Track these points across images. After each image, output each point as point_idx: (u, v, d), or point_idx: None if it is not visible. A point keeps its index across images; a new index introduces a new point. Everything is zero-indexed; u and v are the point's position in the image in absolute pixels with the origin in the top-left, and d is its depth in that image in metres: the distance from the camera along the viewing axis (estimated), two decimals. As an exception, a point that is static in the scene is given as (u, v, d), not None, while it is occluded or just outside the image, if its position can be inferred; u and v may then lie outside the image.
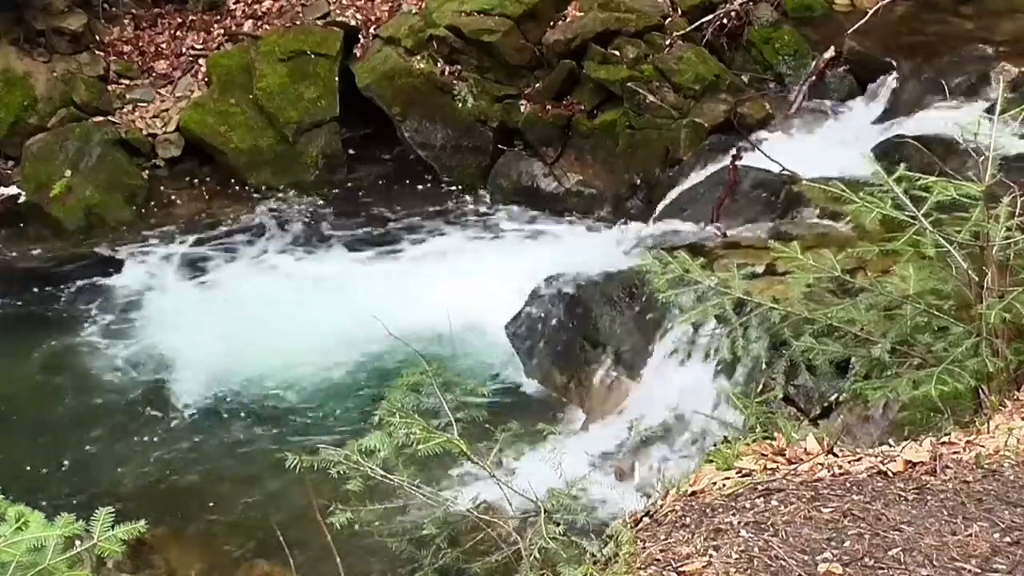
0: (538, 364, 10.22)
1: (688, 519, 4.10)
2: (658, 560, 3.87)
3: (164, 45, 13.92)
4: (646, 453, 8.60)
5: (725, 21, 12.76)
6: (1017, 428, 4.64)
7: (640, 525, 4.22)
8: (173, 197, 13.02)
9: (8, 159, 13.12)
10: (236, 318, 11.11)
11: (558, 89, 12.83)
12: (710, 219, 10.90)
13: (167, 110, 13.40)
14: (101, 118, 13.17)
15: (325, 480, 5.09)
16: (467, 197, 12.94)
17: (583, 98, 12.75)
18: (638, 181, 12.33)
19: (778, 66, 12.59)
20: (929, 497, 4.12)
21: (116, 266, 12.13)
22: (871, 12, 12.32)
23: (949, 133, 9.99)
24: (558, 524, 4.79)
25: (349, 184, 13.25)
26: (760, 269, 8.67)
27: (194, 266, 12.06)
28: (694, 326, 7.86)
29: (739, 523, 3.99)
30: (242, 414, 10.10)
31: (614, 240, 11.58)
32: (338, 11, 13.96)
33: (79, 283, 11.90)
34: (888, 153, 9.87)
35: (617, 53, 12.62)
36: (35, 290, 11.83)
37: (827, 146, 11.29)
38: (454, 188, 13.07)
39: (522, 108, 12.90)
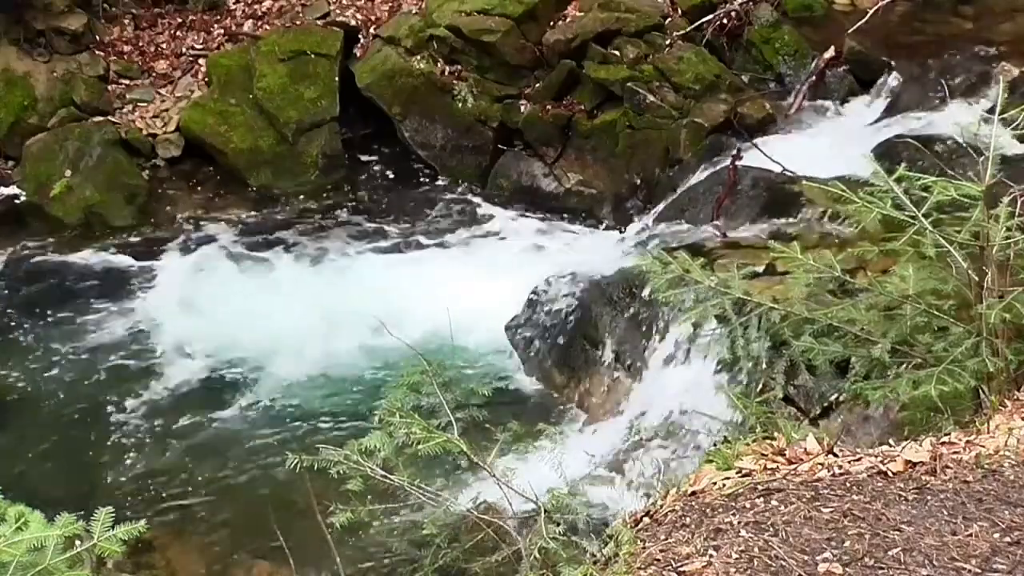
0: (538, 364, 10.22)
1: (688, 519, 4.10)
2: (658, 560, 3.87)
3: (164, 45, 13.92)
4: (646, 453, 8.59)
5: (725, 21, 12.75)
6: (1017, 428, 4.64)
7: (640, 525, 4.22)
8: (173, 197, 13.01)
9: (8, 159, 13.11)
10: (235, 317, 11.10)
11: (558, 89, 12.82)
12: (710, 219, 10.90)
13: (167, 110, 13.39)
14: (101, 118, 13.15)
15: (326, 480, 5.09)
16: (467, 197, 12.93)
17: (583, 98, 12.75)
18: (638, 181, 12.32)
19: (778, 66, 12.58)
20: (929, 497, 4.12)
21: (115, 266, 12.11)
22: (871, 12, 12.31)
23: (949, 133, 10.00)
24: (558, 524, 4.80)
25: (349, 184, 13.25)
26: (760, 269, 8.67)
27: (193, 266, 12.04)
28: (694, 326, 7.85)
29: (739, 523, 3.99)
30: (242, 414, 10.10)
31: (614, 240, 11.58)
32: (338, 11, 13.96)
33: (78, 283, 11.88)
34: (888, 153, 9.87)
35: (617, 53, 12.62)
36: (34, 290, 11.82)
37: (827, 146, 11.28)
38: (454, 188, 13.06)
39: (522, 108, 12.90)
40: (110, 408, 10.22)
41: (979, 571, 3.73)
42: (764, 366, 7.74)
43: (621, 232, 11.76)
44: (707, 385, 8.71)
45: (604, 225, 12.18)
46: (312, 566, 6.83)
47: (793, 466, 4.42)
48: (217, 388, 10.41)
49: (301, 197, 13.01)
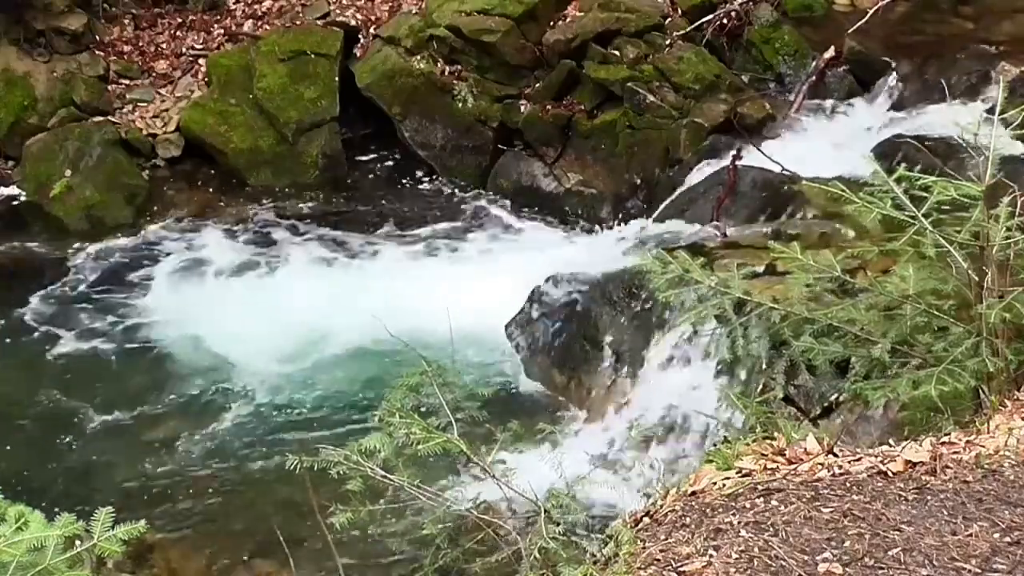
0: (538, 364, 10.21)
1: (688, 519, 4.10)
2: (658, 560, 3.87)
3: (164, 45, 13.92)
4: (646, 453, 8.59)
5: (725, 21, 12.76)
6: (1017, 428, 4.64)
7: (640, 525, 4.22)
8: (173, 197, 13.02)
9: (8, 159, 13.12)
10: (234, 317, 11.10)
11: (558, 89, 12.82)
12: (710, 219, 10.90)
13: (167, 110, 13.40)
14: (101, 118, 13.16)
15: (325, 480, 5.09)
16: (467, 197, 12.94)
17: (583, 98, 12.75)
18: (638, 181, 12.33)
19: (778, 66, 12.58)
20: (929, 497, 4.12)
21: (114, 266, 12.12)
22: (871, 12, 12.31)
23: (949, 133, 9.99)
24: (558, 524, 4.80)
25: (349, 184, 13.25)
26: (760, 269, 8.66)
27: (193, 266, 12.05)
28: (694, 326, 7.85)
29: (739, 523, 3.99)
30: (241, 414, 10.10)
31: (614, 240, 11.58)
32: (338, 11, 13.96)
33: (76, 283, 11.89)
34: (888, 153, 9.88)
35: (617, 53, 12.62)
36: (32, 290, 11.82)
37: (827, 146, 11.29)
38: (454, 188, 13.07)
39: (522, 108, 12.90)
40: (107, 409, 10.21)
41: (979, 571, 3.73)
42: (764, 366, 7.75)
43: (621, 232, 11.75)
44: (707, 385, 8.72)
45: (604, 225, 12.17)
46: (312, 566, 6.84)
47: (793, 466, 4.42)
48: (216, 388, 10.40)
49: (301, 197, 13.02)
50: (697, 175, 11.67)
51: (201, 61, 13.72)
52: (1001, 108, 5.82)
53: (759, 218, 10.65)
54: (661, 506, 4.29)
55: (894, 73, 11.95)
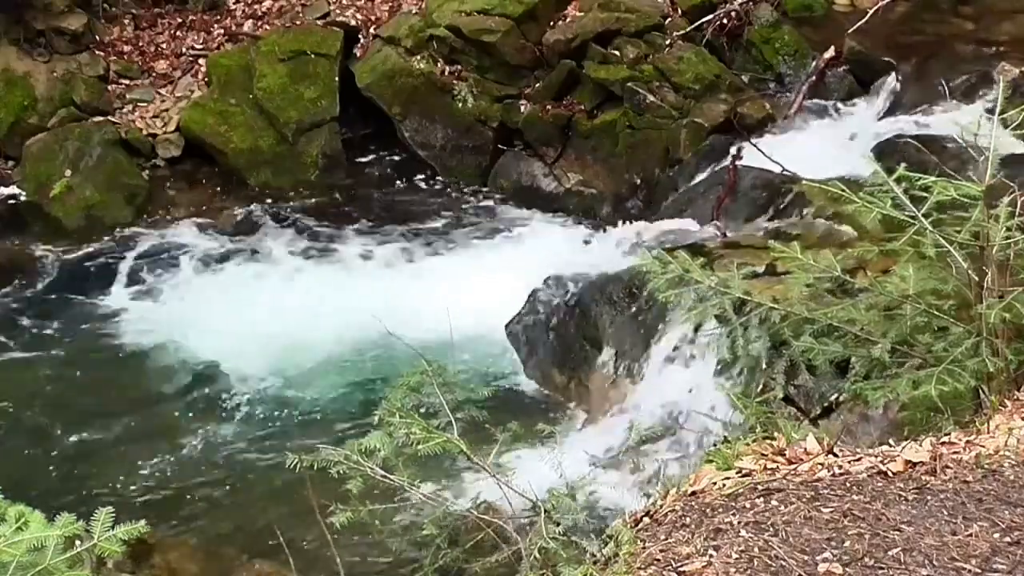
0: (538, 364, 10.22)
1: (688, 519, 4.10)
2: (658, 560, 3.87)
3: (164, 45, 13.92)
4: (646, 453, 8.58)
5: (725, 21, 12.77)
6: (1017, 428, 4.64)
7: (640, 525, 4.22)
8: (173, 197, 13.01)
9: (8, 159, 13.11)
10: (234, 319, 11.10)
11: (558, 89, 12.83)
12: (710, 219, 10.91)
13: (167, 110, 13.40)
14: (101, 118, 13.15)
15: (326, 480, 5.09)
16: (467, 197, 12.94)
17: (583, 98, 12.76)
18: (638, 181, 12.33)
19: (778, 66, 12.59)
20: (929, 497, 4.12)
21: (115, 266, 12.11)
22: (871, 12, 12.33)
23: (949, 133, 9.99)
24: (558, 524, 4.80)
25: (349, 184, 13.25)
26: (760, 269, 8.66)
27: (193, 266, 12.04)
28: (694, 326, 7.85)
29: (739, 523, 3.99)
30: (242, 414, 10.10)
31: (614, 240, 11.58)
32: (338, 11, 13.97)
33: (75, 284, 11.88)
34: (888, 153, 9.87)
35: (617, 53, 12.62)
36: (31, 290, 11.82)
37: (827, 146, 11.29)
38: (454, 188, 13.07)
39: (522, 108, 12.90)
40: (107, 409, 10.21)
41: (979, 571, 3.73)
42: (764, 366, 7.74)
43: (621, 231, 11.74)
44: (707, 385, 8.71)
45: (604, 225, 12.17)
46: (312, 566, 6.84)
47: (793, 466, 4.42)
48: (216, 388, 10.40)
49: (301, 197, 13.02)
50: (697, 175, 11.68)
51: (201, 61, 13.72)
52: (1001, 108, 5.82)
53: (759, 218, 10.66)
54: (661, 506, 4.29)
55: (894, 73, 11.95)
